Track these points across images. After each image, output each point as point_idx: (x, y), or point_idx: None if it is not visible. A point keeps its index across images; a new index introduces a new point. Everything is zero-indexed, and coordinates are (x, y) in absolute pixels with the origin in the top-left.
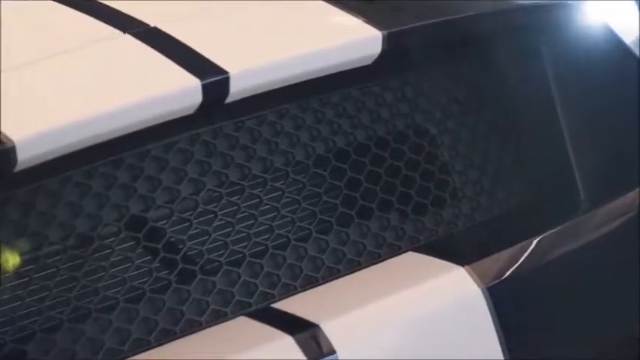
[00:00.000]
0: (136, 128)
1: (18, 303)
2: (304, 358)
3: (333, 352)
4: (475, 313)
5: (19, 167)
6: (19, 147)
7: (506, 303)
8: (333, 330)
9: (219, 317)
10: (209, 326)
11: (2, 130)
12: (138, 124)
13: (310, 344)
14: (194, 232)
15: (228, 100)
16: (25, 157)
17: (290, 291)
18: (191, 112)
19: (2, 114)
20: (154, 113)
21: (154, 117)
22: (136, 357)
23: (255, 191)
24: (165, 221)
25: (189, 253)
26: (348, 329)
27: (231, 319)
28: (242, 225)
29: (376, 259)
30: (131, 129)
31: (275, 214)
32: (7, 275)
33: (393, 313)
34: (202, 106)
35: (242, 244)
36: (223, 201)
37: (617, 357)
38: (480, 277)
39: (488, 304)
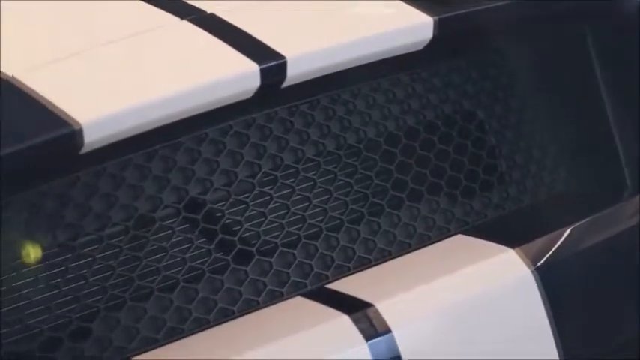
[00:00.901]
0: (195, 112)
1: (82, 282)
2: (361, 336)
3: (388, 330)
4: (525, 294)
5: (84, 150)
6: (85, 129)
7: (555, 284)
8: (387, 309)
9: (275, 297)
10: (266, 306)
11: (69, 113)
12: (197, 108)
13: (366, 323)
14: (250, 214)
15: (284, 84)
16: (91, 139)
17: (343, 272)
18: (249, 96)
19: (68, 98)
20: (214, 97)
21: (213, 101)
22: (194, 336)
23: (308, 174)
24: (222, 203)
25: (246, 235)
26: (402, 309)
27: (287, 299)
28: (296, 207)
29: (426, 241)
30: (191, 113)
31: (327, 196)
32: (67, 257)
33: (445, 293)
34: (260, 91)
35: (297, 226)
36: (278, 184)
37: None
38: (529, 259)
39: (538, 286)
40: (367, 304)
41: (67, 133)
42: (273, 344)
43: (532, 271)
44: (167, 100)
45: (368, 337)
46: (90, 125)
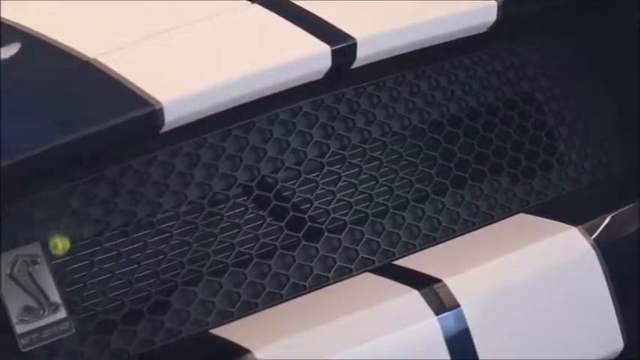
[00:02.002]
0: (269, 92)
1: (161, 257)
2: (430, 310)
3: (457, 305)
4: (588, 270)
5: (165, 129)
6: (166, 109)
7: (617, 261)
8: (456, 285)
9: (344, 273)
10: (336, 282)
11: (150, 92)
12: (271, 88)
13: (435, 298)
14: (320, 192)
15: (354, 65)
16: (171, 118)
17: (409, 250)
18: (320, 77)
19: (148, 78)
20: (287, 78)
21: (286, 82)
22: (268, 310)
23: (375, 154)
24: (293, 182)
25: (316, 212)
26: (470, 285)
27: (355, 275)
28: (364, 186)
29: (489, 220)
30: (264, 93)
31: (393, 176)
32: (146, 233)
33: (510, 270)
34: (330, 72)
35: (364, 204)
36: (346, 163)
37: None
38: (591, 236)
39: (600, 262)
40: (436, 280)
41: (149, 112)
42: (345, 318)
43: (594, 248)
44: (243, 81)
45: (437, 312)
46: (170, 105)
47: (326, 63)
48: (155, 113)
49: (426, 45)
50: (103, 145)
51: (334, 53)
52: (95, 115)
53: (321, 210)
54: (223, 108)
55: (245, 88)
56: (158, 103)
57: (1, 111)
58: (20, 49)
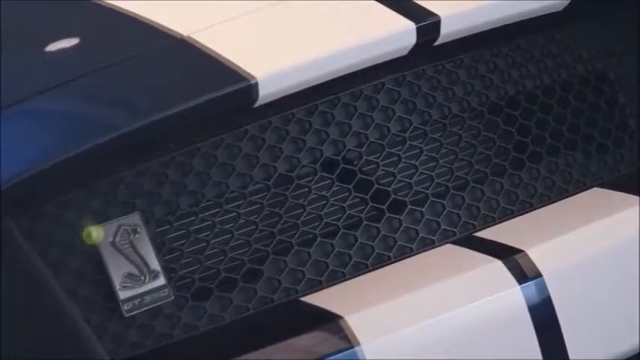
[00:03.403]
0: (355, 68)
1: (252, 227)
2: (513, 279)
3: (539, 275)
4: None
5: (257, 103)
6: (261, 83)
7: None
8: (537, 255)
9: (426, 245)
10: (419, 253)
11: (244, 68)
12: (358, 64)
13: (518, 268)
14: (402, 165)
15: (437, 43)
16: (265, 93)
17: (489, 222)
18: (404, 53)
19: (242, 54)
20: (373, 54)
21: (372, 58)
22: (355, 279)
23: (454, 129)
24: (377, 155)
25: (399, 186)
26: (552, 255)
27: (438, 246)
28: (444, 160)
29: (564, 194)
30: (351, 69)
31: (472, 150)
32: (240, 203)
33: (589, 241)
34: (414, 49)
35: (445, 178)
36: (427, 138)
37: None
38: None
39: None
40: (518, 251)
41: (245, 87)
42: (432, 286)
43: None
44: (334, 57)
45: (520, 281)
46: (265, 80)
47: (411, 40)
48: (250, 88)
49: (505, 23)
50: (199, 120)
51: (419, 30)
52: (192, 91)
53: (403, 183)
54: (313, 83)
55: (335, 64)
56: (253, 77)
57: (105, 88)
58: (117, 29)
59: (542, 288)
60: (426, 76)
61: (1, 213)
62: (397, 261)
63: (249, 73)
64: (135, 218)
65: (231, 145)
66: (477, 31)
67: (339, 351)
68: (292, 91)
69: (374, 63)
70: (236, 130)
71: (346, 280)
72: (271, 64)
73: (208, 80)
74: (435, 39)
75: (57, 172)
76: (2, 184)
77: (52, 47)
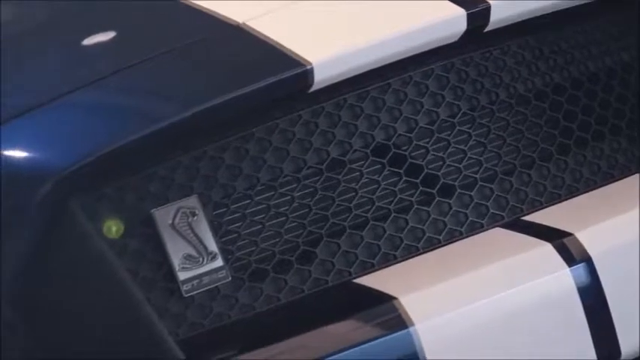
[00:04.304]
0: (407, 55)
1: (306, 210)
2: (563, 262)
3: (588, 258)
4: None
5: (313, 89)
6: (316, 69)
7: None
8: (586, 238)
9: (475, 228)
10: (468, 236)
11: (300, 53)
12: (410, 50)
13: (567, 251)
14: (451, 150)
15: (486, 29)
16: (320, 78)
17: (536, 206)
18: (454, 40)
19: (296, 40)
20: (425, 40)
21: (424, 44)
22: (406, 262)
23: (502, 115)
24: (427, 140)
25: (448, 170)
26: (600, 238)
27: (487, 230)
28: (492, 145)
29: (609, 179)
30: (403, 55)
31: (520, 135)
32: (294, 187)
33: (635, 224)
34: (465, 35)
35: (493, 163)
36: (476, 123)
37: None
38: None
39: None
40: (567, 234)
41: (301, 72)
42: (483, 269)
43: None
44: (387, 43)
45: (569, 264)
46: (320, 65)
47: (461, 26)
48: (306, 73)
49: (553, 10)
50: (255, 105)
51: (469, 17)
52: (250, 77)
53: (452, 168)
54: (367, 69)
55: (387, 50)
56: (309, 63)
57: (163, 75)
58: (174, 17)
59: (592, 270)
60: (474, 62)
61: (67, 195)
62: (447, 244)
63: (304, 59)
64: (193, 201)
65: (285, 130)
66: (524, 17)
67: (394, 331)
68: (346, 77)
69: (425, 49)
70: (290, 116)
71: (397, 262)
72: (326, 50)
73: (265, 66)
74: (485, 26)
75: (118, 156)
76: (67, 167)
77: (113, 35)
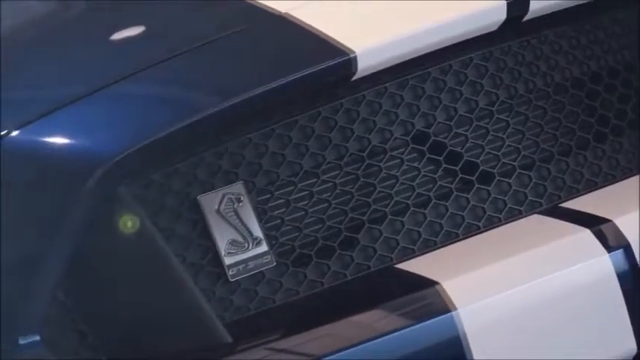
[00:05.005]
0: (448, 43)
1: (348, 197)
2: (602, 248)
3: (627, 243)
4: None
5: (356, 77)
6: (359, 57)
7: None
8: (624, 224)
9: (514, 215)
10: (507, 222)
11: (343, 42)
12: (451, 39)
13: (606, 237)
14: (490, 138)
15: (525, 18)
16: (363, 67)
17: (573, 193)
18: (494, 29)
19: (339, 29)
20: (466, 29)
21: (465, 33)
22: (446, 248)
23: (539, 103)
24: (466, 128)
25: (487, 158)
26: (637, 224)
27: (525, 216)
28: (530, 133)
29: (628, 174)
30: (444, 44)
31: (557, 124)
32: (337, 174)
33: None
34: (504, 24)
35: (531, 150)
36: (513, 112)
37: None
38: None
39: None
40: (605, 220)
41: (345, 60)
42: (524, 254)
43: None
44: (429, 32)
45: (608, 249)
46: (363, 53)
47: (501, 16)
48: (350, 61)
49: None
50: (299, 93)
51: (509, 6)
52: (294, 65)
53: (491, 155)
54: (408, 57)
55: (429, 39)
56: (352, 51)
57: (208, 63)
58: (218, 7)
59: (630, 256)
60: (512, 51)
61: (116, 182)
62: (486, 230)
63: (348, 47)
64: (238, 187)
65: (328, 118)
66: (563, 7)
67: (437, 315)
68: (388, 65)
69: (465, 38)
70: (332, 104)
71: (438, 248)
72: (369, 39)
73: (309, 55)
74: (524, 15)
75: (166, 143)
76: (116, 155)
77: (158, 25)
